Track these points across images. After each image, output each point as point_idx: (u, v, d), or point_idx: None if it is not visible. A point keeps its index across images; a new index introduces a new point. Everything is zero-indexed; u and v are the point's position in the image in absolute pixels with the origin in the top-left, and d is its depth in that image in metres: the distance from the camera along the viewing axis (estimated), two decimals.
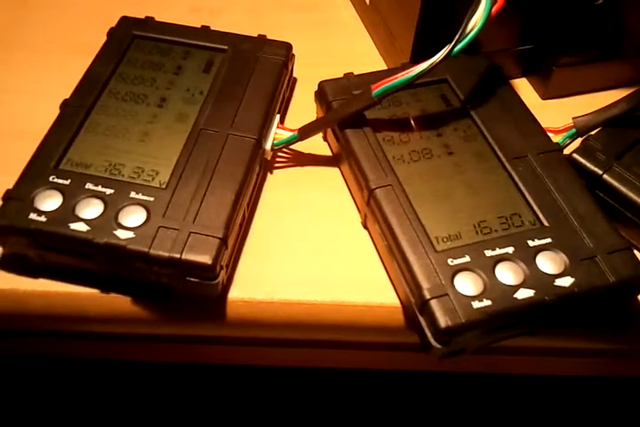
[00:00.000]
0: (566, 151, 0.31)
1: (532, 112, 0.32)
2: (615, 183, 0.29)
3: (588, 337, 0.29)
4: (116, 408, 0.58)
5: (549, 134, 0.31)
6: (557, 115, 0.32)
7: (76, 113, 0.30)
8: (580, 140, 0.31)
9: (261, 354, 0.31)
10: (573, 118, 0.31)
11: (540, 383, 0.57)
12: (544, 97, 0.36)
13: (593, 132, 0.31)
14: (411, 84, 0.29)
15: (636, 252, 0.29)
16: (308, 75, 0.34)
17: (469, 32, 0.28)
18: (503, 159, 0.29)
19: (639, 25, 0.34)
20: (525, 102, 0.35)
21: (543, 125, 0.31)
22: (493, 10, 0.29)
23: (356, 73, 0.32)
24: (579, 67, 0.35)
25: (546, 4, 0.33)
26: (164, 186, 0.27)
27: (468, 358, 0.28)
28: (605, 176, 0.29)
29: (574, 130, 0.31)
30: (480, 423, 0.58)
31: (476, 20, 0.28)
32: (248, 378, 0.57)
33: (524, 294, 0.25)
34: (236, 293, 0.27)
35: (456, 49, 0.28)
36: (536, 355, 0.32)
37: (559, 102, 0.36)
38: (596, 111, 0.31)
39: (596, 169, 0.29)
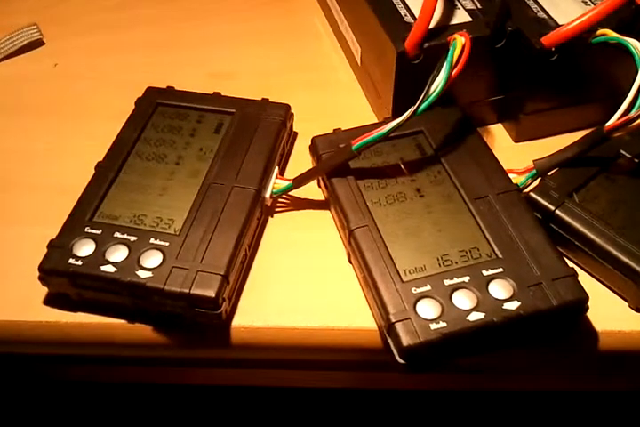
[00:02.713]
0: (528, 189, 0.35)
1: (505, 154, 0.37)
2: (566, 218, 0.33)
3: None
4: None
5: (514, 175, 0.35)
6: (528, 156, 0.36)
7: (108, 173, 0.35)
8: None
9: (260, 376, 0.36)
10: (534, 161, 0.35)
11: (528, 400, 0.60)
12: (516, 140, 0.41)
13: (550, 173, 0.35)
14: (385, 138, 0.34)
15: (586, 277, 0.34)
16: (308, 129, 0.39)
17: (432, 93, 0.33)
18: (467, 200, 0.33)
19: (595, 73, 0.38)
20: (500, 145, 0.40)
21: (513, 166, 0.36)
22: (453, 73, 0.33)
23: (348, 127, 0.37)
24: (544, 113, 0.39)
25: (507, 61, 0.38)
26: (177, 232, 0.33)
27: (446, 375, 0.32)
28: (557, 212, 0.33)
29: (535, 171, 0.35)
30: None
31: (438, 83, 0.33)
32: (247, 397, 0.62)
33: (475, 316, 0.29)
34: (238, 320, 0.32)
35: (420, 108, 0.33)
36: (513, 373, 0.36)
37: (529, 144, 0.40)
38: (553, 154, 0.35)
39: (549, 205, 0.33)
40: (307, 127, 0.41)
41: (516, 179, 0.35)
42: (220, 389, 0.52)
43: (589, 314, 0.31)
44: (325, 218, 0.37)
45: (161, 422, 0.64)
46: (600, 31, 0.35)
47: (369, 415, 0.62)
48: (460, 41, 0.34)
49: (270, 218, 0.37)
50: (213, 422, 0.64)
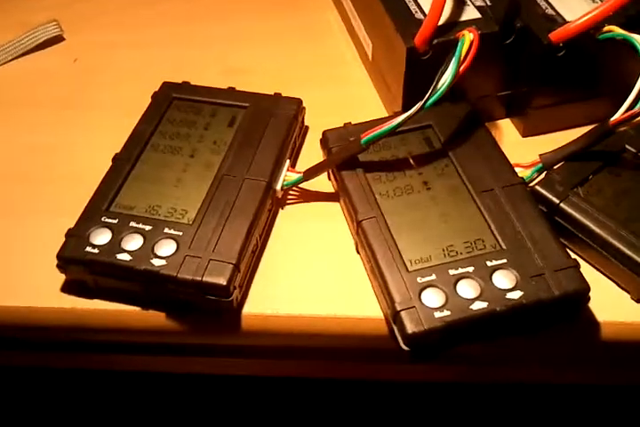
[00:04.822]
0: (534, 183, 0.36)
1: (514, 148, 0.38)
2: (570, 211, 0.34)
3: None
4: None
5: (520, 169, 0.36)
6: (535, 150, 0.36)
7: (124, 165, 0.36)
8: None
9: (270, 366, 0.38)
10: (540, 155, 0.36)
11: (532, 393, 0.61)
12: (523, 135, 0.41)
13: (556, 167, 0.36)
14: (393, 133, 0.35)
15: (588, 268, 0.34)
16: (320, 123, 0.40)
17: (439, 88, 0.34)
18: (473, 192, 0.34)
19: (602, 69, 0.39)
20: (508, 139, 0.41)
21: (520, 160, 0.36)
22: (461, 69, 0.34)
23: (359, 121, 0.38)
24: (551, 108, 0.40)
25: (515, 57, 0.38)
26: (191, 222, 0.34)
27: (449, 367, 0.33)
28: (562, 205, 0.34)
29: (541, 164, 0.36)
30: None
31: (446, 78, 0.34)
32: (254, 387, 0.63)
33: (478, 305, 0.30)
34: (249, 308, 0.34)
35: (428, 103, 0.33)
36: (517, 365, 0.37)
37: (537, 139, 0.41)
38: (558, 148, 0.36)
39: (553, 199, 0.34)
40: (318, 121, 0.41)
41: (523, 172, 0.36)
42: (226, 378, 0.54)
43: (592, 305, 0.32)
44: (335, 210, 0.37)
45: (168, 411, 0.66)
46: (607, 28, 0.36)
47: (374, 407, 0.63)
48: (468, 37, 0.35)
49: (281, 210, 0.38)
50: (218, 413, 0.65)
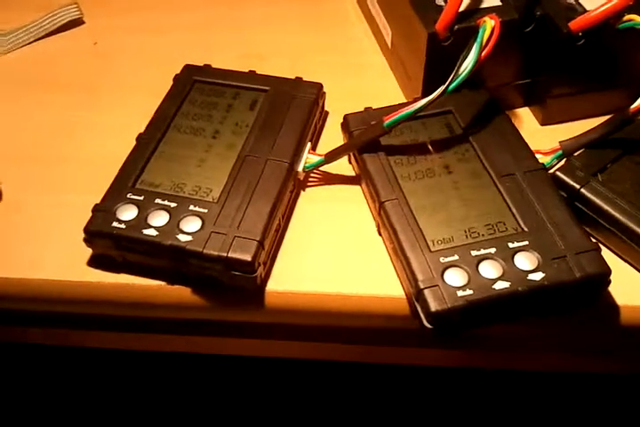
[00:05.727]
0: (554, 169, 0.36)
1: (532, 137, 0.38)
2: (590, 196, 0.34)
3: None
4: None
5: (540, 155, 0.36)
6: (554, 138, 0.37)
7: (148, 144, 0.37)
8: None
9: (291, 347, 0.38)
10: (560, 142, 0.37)
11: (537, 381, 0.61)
12: (542, 123, 0.42)
13: (576, 153, 0.36)
14: (415, 117, 0.35)
15: (608, 253, 0.35)
16: (339, 109, 0.40)
17: (461, 73, 0.34)
18: (494, 177, 0.35)
19: (622, 58, 0.39)
20: (527, 128, 0.41)
21: (538, 148, 0.37)
22: (482, 54, 0.34)
23: (376, 107, 0.39)
24: (570, 97, 0.40)
25: (535, 45, 0.39)
26: (215, 200, 0.34)
27: (469, 353, 0.33)
28: (582, 190, 0.34)
29: (561, 151, 0.36)
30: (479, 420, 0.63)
31: (468, 63, 0.34)
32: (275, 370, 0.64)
33: (501, 285, 0.30)
34: (272, 285, 0.34)
35: (450, 87, 0.34)
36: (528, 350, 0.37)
37: (556, 128, 0.41)
38: (578, 135, 0.36)
39: (574, 184, 0.35)
40: (337, 108, 0.42)
41: (543, 159, 0.36)
42: (245, 360, 0.54)
43: (612, 289, 0.33)
44: (355, 193, 0.38)
45: (186, 391, 0.66)
46: (627, 17, 0.36)
47: (392, 390, 0.64)
48: (489, 23, 0.35)
49: (302, 192, 0.38)
50: (235, 393, 0.66)
